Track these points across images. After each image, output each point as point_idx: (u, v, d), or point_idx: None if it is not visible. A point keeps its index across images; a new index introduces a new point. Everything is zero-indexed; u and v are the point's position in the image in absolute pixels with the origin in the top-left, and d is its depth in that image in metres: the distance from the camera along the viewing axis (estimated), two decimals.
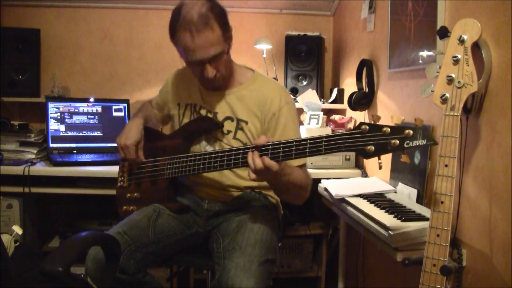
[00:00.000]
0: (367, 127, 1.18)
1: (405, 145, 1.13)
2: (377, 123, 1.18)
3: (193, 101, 1.70)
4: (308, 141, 1.28)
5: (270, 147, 1.32)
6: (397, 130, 1.15)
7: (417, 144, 1.13)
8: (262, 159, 1.31)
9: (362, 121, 1.34)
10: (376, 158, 1.19)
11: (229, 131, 1.63)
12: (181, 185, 1.76)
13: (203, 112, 1.68)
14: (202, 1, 1.48)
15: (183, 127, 1.71)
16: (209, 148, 1.65)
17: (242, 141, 1.62)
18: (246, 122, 1.62)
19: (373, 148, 1.17)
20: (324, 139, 1.25)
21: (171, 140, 1.71)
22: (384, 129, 1.16)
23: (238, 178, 1.66)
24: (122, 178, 1.77)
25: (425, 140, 1.12)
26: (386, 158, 2.02)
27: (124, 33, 2.88)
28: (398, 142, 1.14)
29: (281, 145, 1.31)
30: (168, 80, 1.81)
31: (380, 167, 1.21)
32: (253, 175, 1.33)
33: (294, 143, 1.29)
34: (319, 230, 2.66)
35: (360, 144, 1.19)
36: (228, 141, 1.63)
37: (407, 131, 1.13)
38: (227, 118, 1.64)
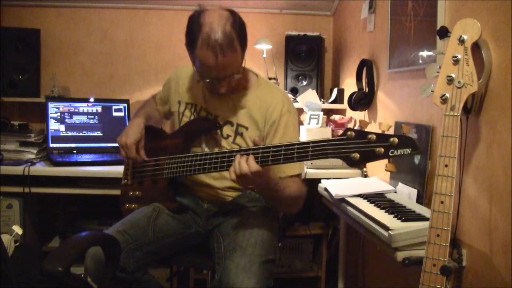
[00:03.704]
0: (353, 134, 1.18)
1: (390, 154, 1.13)
2: (364, 130, 1.18)
3: (194, 101, 1.70)
4: (296, 146, 1.28)
5: (261, 150, 1.33)
6: (382, 137, 1.14)
7: (402, 153, 1.12)
8: (248, 158, 1.31)
9: (350, 127, 1.34)
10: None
11: (228, 136, 1.63)
12: (181, 185, 1.76)
13: (203, 114, 1.68)
14: (224, 13, 1.45)
15: (183, 127, 1.71)
16: (208, 151, 1.65)
17: (241, 146, 1.61)
18: (246, 128, 1.62)
19: (358, 155, 1.17)
20: (311, 144, 1.25)
21: (171, 139, 1.71)
22: (370, 136, 1.15)
23: None
24: (126, 176, 1.78)
25: (410, 149, 1.12)
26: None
27: (124, 33, 2.88)
28: (383, 150, 1.14)
29: (271, 149, 1.32)
30: (171, 76, 1.81)
31: (365, 176, 1.21)
32: (232, 175, 1.34)
33: (283, 148, 1.30)
34: (319, 230, 2.66)
35: (345, 151, 1.19)
36: (228, 145, 1.63)
37: (392, 139, 1.13)
38: (227, 122, 1.64)
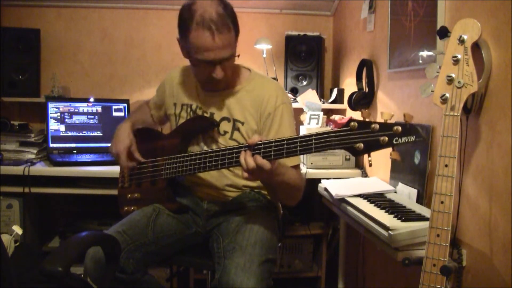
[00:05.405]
0: (356, 124, 1.17)
1: (394, 142, 1.13)
2: (366, 120, 1.18)
3: (189, 102, 1.70)
4: (299, 140, 1.28)
5: (262, 145, 1.33)
6: (386, 126, 1.14)
7: (406, 140, 1.12)
8: (254, 158, 1.31)
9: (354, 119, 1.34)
10: (366, 155, 1.19)
11: (225, 132, 1.63)
12: (181, 185, 1.76)
13: (199, 112, 1.67)
14: (215, 1, 1.47)
15: (180, 127, 1.70)
16: (206, 149, 1.65)
17: (239, 141, 1.61)
18: (242, 123, 1.61)
19: (362, 145, 1.16)
20: (314, 137, 1.25)
21: (168, 140, 1.71)
22: (373, 125, 1.15)
23: (236, 178, 1.65)
24: (123, 178, 1.77)
25: (414, 136, 1.12)
26: (386, 158, 2.01)
27: (124, 33, 2.88)
28: (387, 139, 1.13)
29: (273, 144, 1.31)
30: (165, 80, 1.81)
31: (370, 165, 1.21)
32: (245, 174, 1.34)
33: (285, 142, 1.30)
34: (319, 230, 2.66)
35: (349, 142, 1.18)
36: (225, 141, 1.62)
37: (395, 128, 1.12)
38: (224, 118, 1.64)
